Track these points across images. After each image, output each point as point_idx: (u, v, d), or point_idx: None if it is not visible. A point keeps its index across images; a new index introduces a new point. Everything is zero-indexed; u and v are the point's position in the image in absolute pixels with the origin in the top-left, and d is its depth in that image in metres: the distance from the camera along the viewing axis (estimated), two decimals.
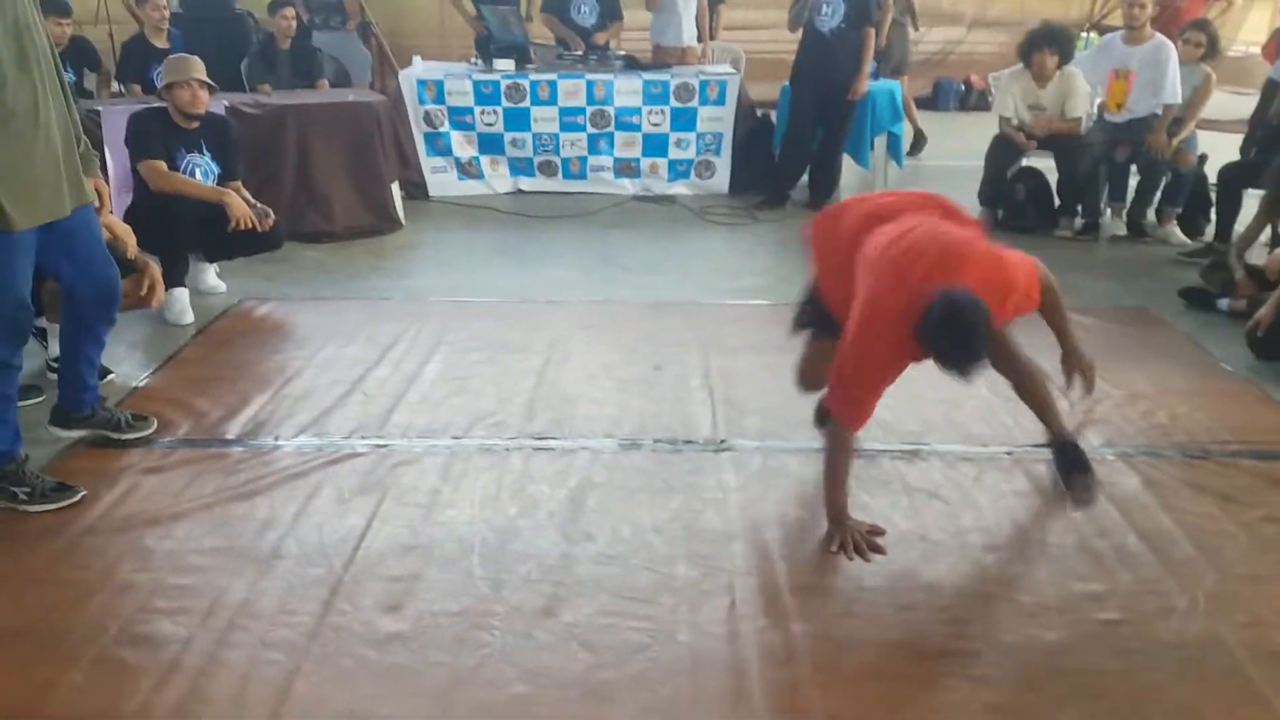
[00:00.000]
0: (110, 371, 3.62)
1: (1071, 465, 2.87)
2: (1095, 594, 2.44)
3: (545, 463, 3.04)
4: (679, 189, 6.63)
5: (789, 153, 6.41)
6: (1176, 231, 5.66)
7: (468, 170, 6.56)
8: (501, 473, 2.98)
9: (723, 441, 3.19)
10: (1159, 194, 5.69)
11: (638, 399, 3.50)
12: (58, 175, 2.63)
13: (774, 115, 6.78)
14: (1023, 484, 2.96)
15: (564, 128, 6.51)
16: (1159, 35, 5.63)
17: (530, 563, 2.54)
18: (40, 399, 3.35)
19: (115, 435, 3.12)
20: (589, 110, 6.48)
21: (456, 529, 2.69)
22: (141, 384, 3.60)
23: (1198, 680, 2.15)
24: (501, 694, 2.09)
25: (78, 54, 6.36)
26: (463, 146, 6.52)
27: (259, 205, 4.38)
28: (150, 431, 3.17)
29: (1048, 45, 5.61)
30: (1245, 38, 10.56)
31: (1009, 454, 3.14)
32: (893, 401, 3.44)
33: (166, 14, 6.52)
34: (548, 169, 6.61)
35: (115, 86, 6.62)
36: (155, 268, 3.64)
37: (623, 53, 7.15)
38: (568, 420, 3.32)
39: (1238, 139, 6.18)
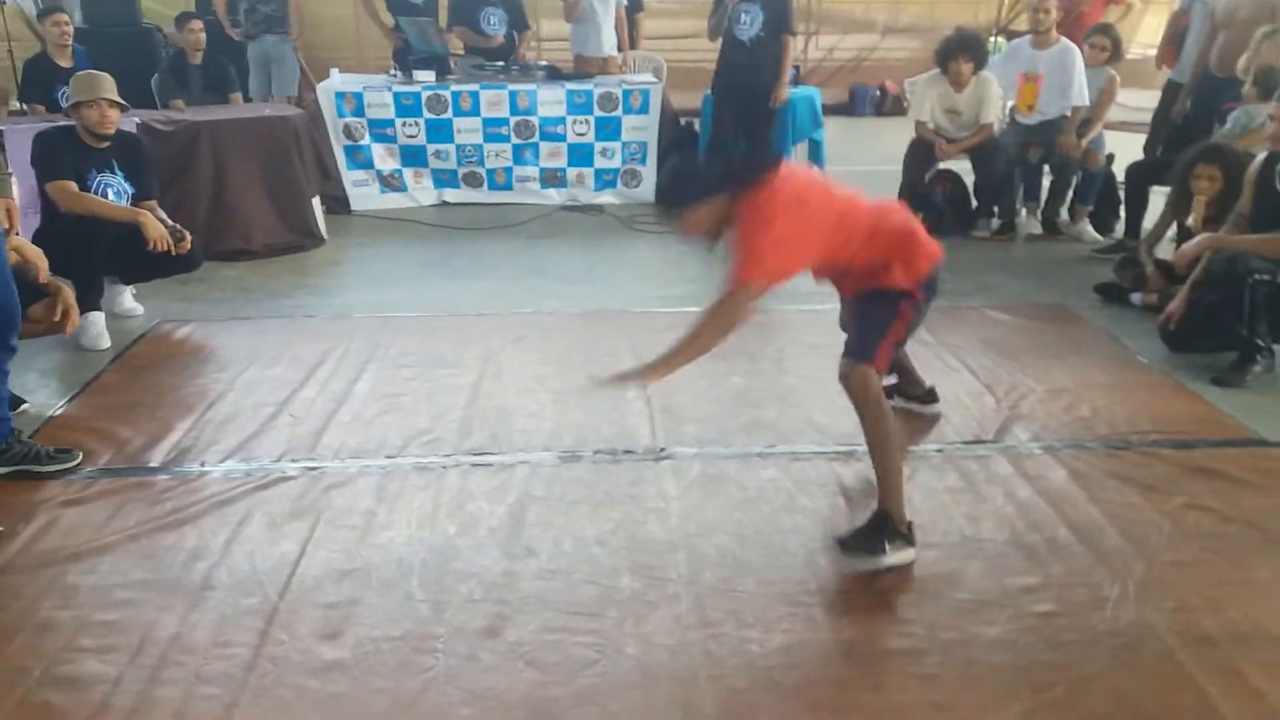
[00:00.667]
0: (24, 401, 3.48)
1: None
2: (1030, 587, 2.49)
3: (483, 479, 3.00)
4: (606, 198, 6.63)
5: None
6: (1089, 229, 5.85)
7: (390, 183, 6.47)
8: (439, 491, 2.94)
9: (662, 450, 3.19)
10: (1071, 193, 5.87)
11: (575, 411, 3.48)
12: None
13: (697, 124, 6.82)
14: (955, 480, 3.01)
15: (488, 138, 6.47)
16: (1064, 39, 5.81)
17: (472, 582, 2.50)
18: None
19: (36, 469, 2.99)
20: (513, 120, 6.44)
21: (394, 551, 2.64)
22: (58, 413, 3.47)
23: (1133, 668, 2.21)
24: (447, 718, 2.06)
25: None
26: (384, 159, 6.43)
27: (175, 226, 4.26)
28: (74, 464, 3.05)
29: (963, 53, 5.74)
30: (1142, 40, 10.96)
31: (940, 451, 3.20)
32: (826, 404, 3.51)
33: (70, 30, 6.31)
34: (473, 180, 6.56)
35: (16, 105, 6.38)
36: (69, 291, 3.51)
37: (544, 63, 7.13)
38: (505, 435, 3.29)
39: (1141, 138, 6.41)
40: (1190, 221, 4.40)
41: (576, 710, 2.08)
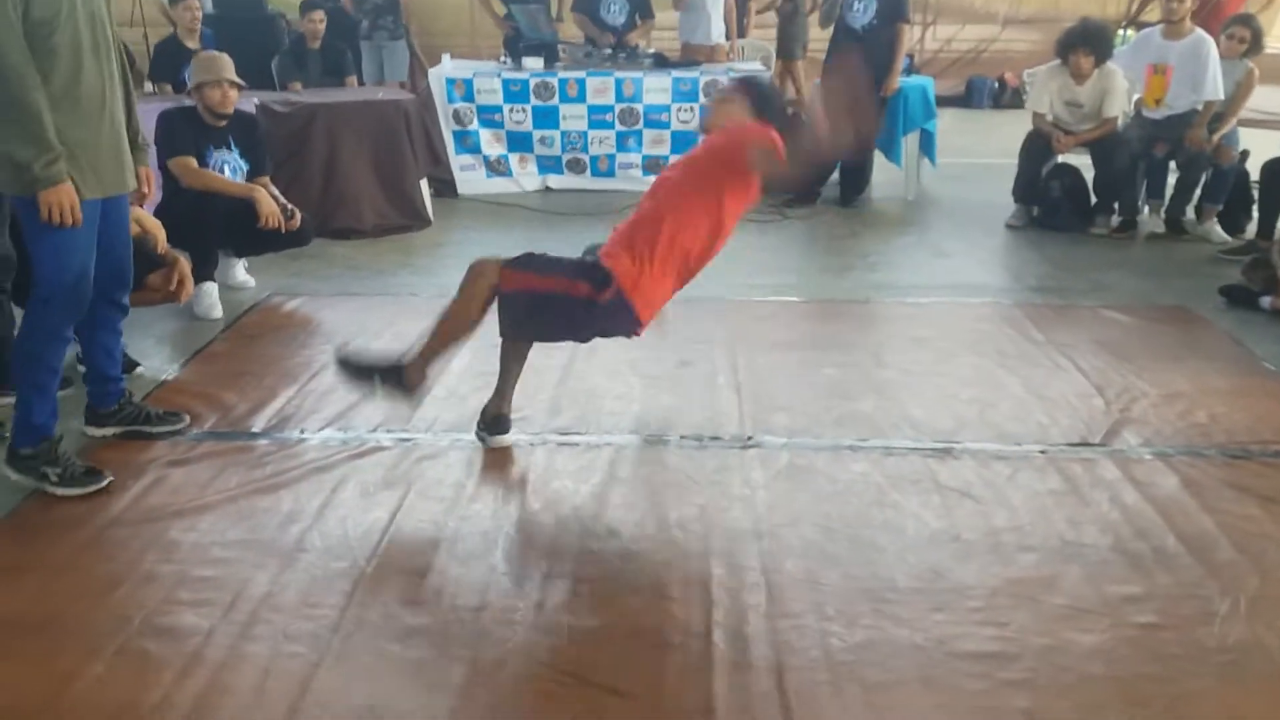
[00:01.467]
0: (139, 364, 3.63)
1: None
2: (1133, 596, 2.37)
3: (569, 458, 3.01)
4: None
5: None
6: (1217, 229, 5.55)
7: (496, 168, 6.55)
8: (525, 468, 2.96)
9: (750, 438, 3.15)
10: (1199, 191, 5.58)
11: (664, 395, 3.46)
12: (119, 155, 2.76)
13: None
14: (1057, 483, 2.89)
15: (592, 125, 6.49)
16: (1198, 30, 5.52)
17: (553, 558, 2.51)
18: (70, 390, 3.35)
19: (147, 429, 3.12)
20: (617, 108, 6.46)
21: (480, 524, 2.66)
22: (170, 378, 3.61)
23: (1239, 686, 2.08)
24: (523, 690, 2.06)
25: None
26: (491, 144, 6.51)
27: (287, 204, 4.38)
28: (181, 426, 3.16)
29: (1084, 46, 5.51)
30: None
31: (1043, 453, 3.07)
32: (925, 399, 3.41)
33: (199, 15, 6.57)
34: (576, 166, 6.59)
35: (148, 86, 6.67)
36: (185, 263, 3.65)
37: (652, 51, 7.12)
38: (592, 416, 3.29)
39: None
40: None
41: (649, 692, 2.06)
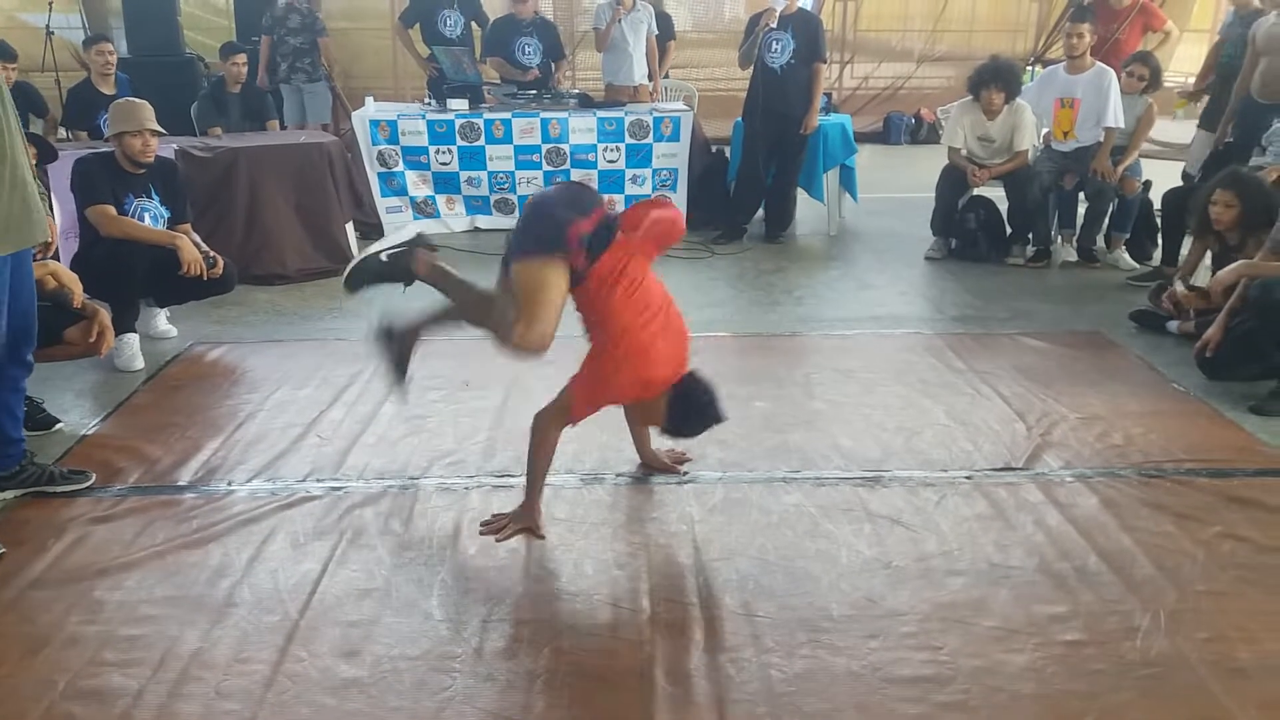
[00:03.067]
0: (59, 420, 3.54)
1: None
2: (1059, 615, 2.44)
3: (505, 500, 3.00)
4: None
5: (744, 187, 6.46)
6: (1125, 256, 5.78)
7: (423, 209, 6.54)
8: (460, 512, 2.94)
9: (685, 473, 3.17)
10: (1107, 220, 5.80)
11: (600, 433, 3.46)
12: (26, 206, 2.67)
13: (728, 150, 6.84)
14: (984, 508, 2.97)
15: (520, 165, 6.52)
16: (1100, 63, 5.77)
17: (490, 603, 2.50)
18: None
19: (49, 489, 3.01)
20: (544, 148, 6.50)
21: (415, 571, 2.64)
22: (91, 432, 3.52)
23: (1163, 699, 2.16)
24: None
25: (23, 99, 6.28)
26: (418, 186, 6.50)
27: (210, 252, 4.32)
28: (87, 485, 3.06)
29: (994, 83, 5.72)
30: (1180, 68, 10.88)
31: (968, 478, 3.15)
32: (853, 429, 3.48)
33: (113, 60, 6.48)
34: (504, 206, 6.61)
35: (61, 132, 6.54)
36: (104, 314, 3.57)
37: (576, 91, 7.19)
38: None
39: (1178, 166, 6.33)
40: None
41: None
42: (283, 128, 7.05)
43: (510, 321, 2.67)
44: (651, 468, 3.20)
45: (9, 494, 2.98)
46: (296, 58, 7.67)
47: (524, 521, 2.82)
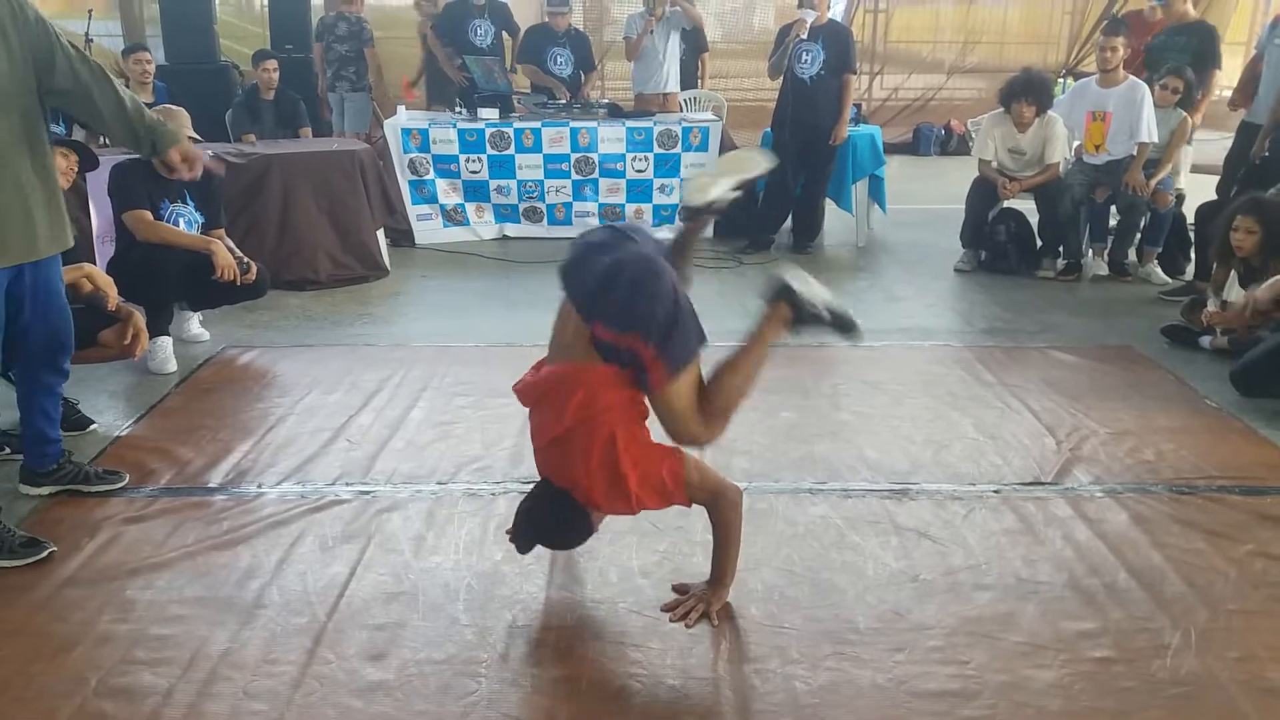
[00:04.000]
0: (93, 421, 3.59)
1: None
2: (1088, 632, 2.42)
3: None
4: (664, 234, 6.65)
5: (772, 198, 6.46)
6: (1158, 271, 5.72)
7: (453, 217, 6.58)
8: (487, 518, 2.95)
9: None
10: (1139, 234, 5.75)
11: None
12: (29, 220, 2.65)
13: None
14: (1012, 522, 2.95)
15: (549, 174, 6.56)
16: (1132, 77, 5.73)
17: (516, 608, 2.51)
18: (6, 453, 3.30)
19: (85, 489, 3.06)
20: (573, 157, 6.53)
21: (441, 575, 2.65)
22: (124, 433, 3.57)
23: (1191, 717, 2.13)
24: None
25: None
26: (448, 194, 6.55)
27: (243, 256, 4.37)
28: (120, 485, 3.11)
29: (1026, 96, 5.70)
30: (1217, 81, 10.78)
31: (996, 492, 3.13)
32: (881, 441, 3.46)
33: (151, 68, 6.58)
34: (533, 215, 6.64)
35: (102, 139, 6.64)
36: (139, 317, 3.62)
37: (606, 101, 7.22)
38: None
39: (1212, 180, 6.27)
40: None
41: None
42: (341, 134, 7.19)
43: (696, 424, 2.35)
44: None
45: (46, 489, 3.05)
46: (341, 66, 7.88)
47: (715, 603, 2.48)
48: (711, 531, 2.46)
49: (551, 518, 2.42)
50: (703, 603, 2.47)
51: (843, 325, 2.52)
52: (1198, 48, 6.16)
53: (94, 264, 3.90)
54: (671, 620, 2.46)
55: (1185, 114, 5.72)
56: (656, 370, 2.24)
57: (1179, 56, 6.05)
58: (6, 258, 2.63)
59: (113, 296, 3.60)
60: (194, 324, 4.60)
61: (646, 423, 2.38)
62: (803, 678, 2.25)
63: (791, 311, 2.52)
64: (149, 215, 4.20)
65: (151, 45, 7.32)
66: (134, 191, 4.21)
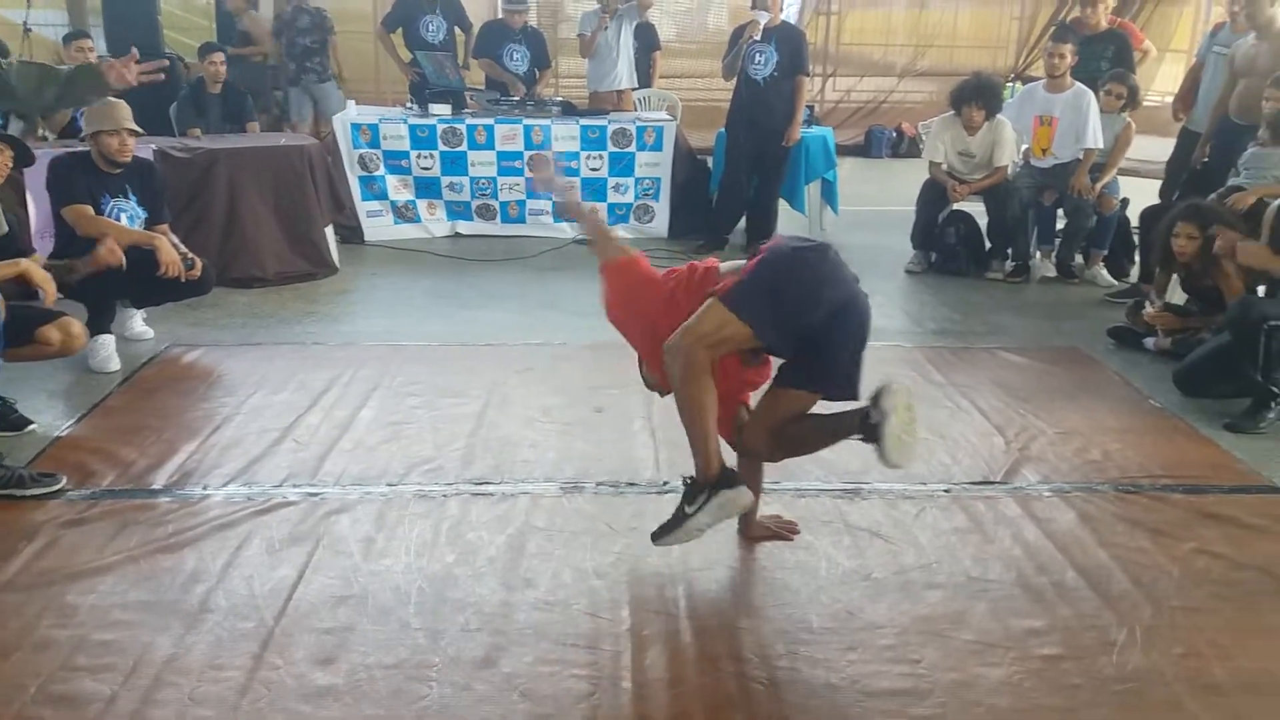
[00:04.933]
0: (31, 422, 3.49)
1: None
2: (1036, 630, 2.45)
3: (484, 508, 2.98)
4: (618, 233, 6.63)
5: (726, 197, 6.48)
6: (1103, 273, 5.83)
7: (404, 214, 6.51)
8: (438, 519, 2.92)
9: (666, 483, 3.17)
10: (1085, 237, 5.85)
11: (579, 442, 3.46)
12: None
13: (711, 161, 6.85)
14: (962, 521, 2.98)
15: (502, 171, 6.51)
16: (1078, 84, 5.83)
17: (468, 611, 2.48)
18: None
19: (19, 493, 2.96)
20: (527, 154, 6.48)
21: (392, 578, 2.62)
22: (64, 434, 3.47)
23: (1139, 714, 2.17)
24: None
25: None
26: (399, 190, 6.47)
27: (188, 253, 4.28)
28: (58, 488, 3.02)
29: (976, 100, 5.77)
30: (1160, 88, 11.02)
31: (947, 491, 3.17)
32: None
33: (93, 58, 6.40)
34: (486, 212, 6.59)
35: (40, 131, 6.46)
36: (39, 272, 3.48)
37: (560, 99, 7.20)
38: (507, 465, 3.27)
39: (1155, 184, 6.40)
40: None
41: None
42: (292, 128, 7.12)
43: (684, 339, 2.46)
44: (755, 539, 2.83)
45: None
46: (306, 58, 7.83)
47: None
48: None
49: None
50: None
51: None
52: (1114, 56, 6.32)
53: (33, 259, 3.80)
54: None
55: (1129, 119, 5.84)
56: (724, 288, 2.45)
57: (1102, 64, 6.19)
58: None
59: (50, 292, 3.50)
60: (137, 322, 4.49)
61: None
62: (756, 677, 2.25)
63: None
64: (89, 210, 4.10)
65: (95, 36, 7.14)
66: (73, 186, 4.10)
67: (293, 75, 7.87)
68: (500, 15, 7.23)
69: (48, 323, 3.55)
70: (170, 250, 4.14)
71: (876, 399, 2.51)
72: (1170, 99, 7.08)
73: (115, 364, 4.06)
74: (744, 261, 2.60)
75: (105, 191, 4.19)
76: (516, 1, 7.07)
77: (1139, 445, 3.54)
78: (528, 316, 4.94)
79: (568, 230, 6.60)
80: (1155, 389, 4.07)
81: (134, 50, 2.92)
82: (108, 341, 4.09)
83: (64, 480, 3.05)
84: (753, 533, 2.84)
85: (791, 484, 3.18)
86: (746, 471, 2.65)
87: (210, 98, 6.67)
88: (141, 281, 4.19)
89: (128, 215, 4.24)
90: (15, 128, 6.33)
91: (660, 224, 6.69)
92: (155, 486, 3.10)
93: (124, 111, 4.15)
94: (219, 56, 6.71)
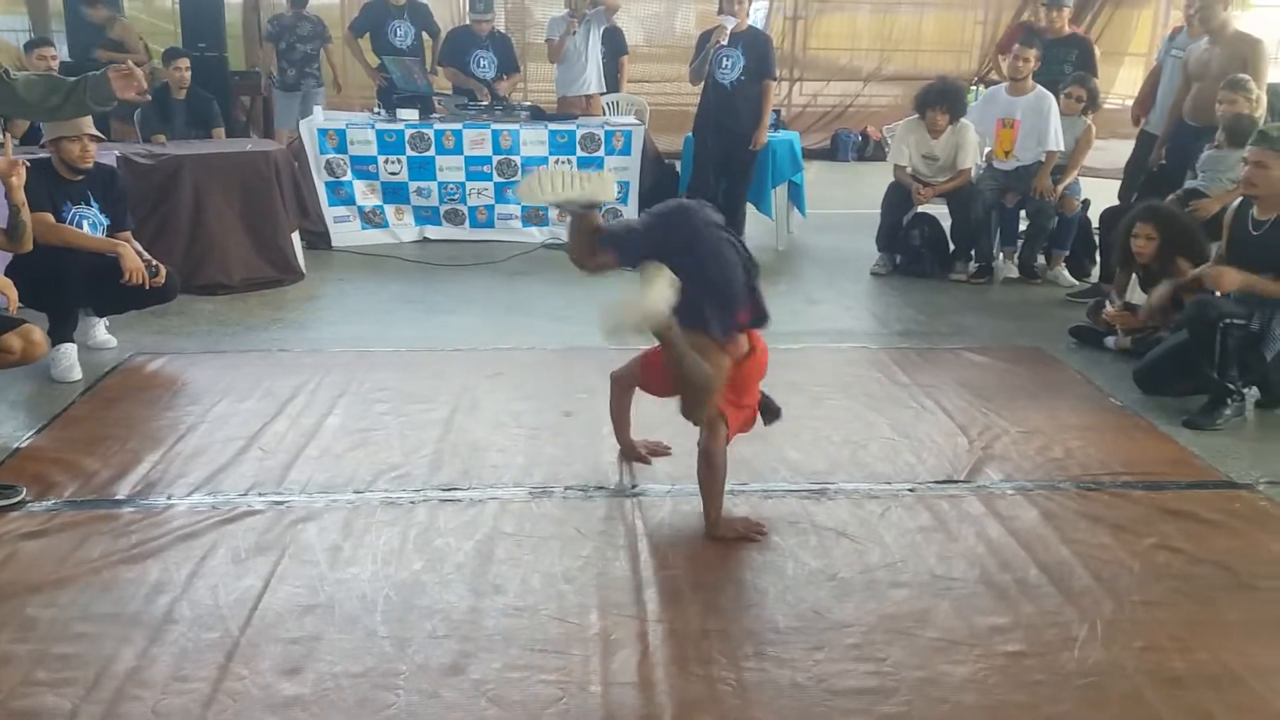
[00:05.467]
0: None
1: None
2: (1000, 627, 2.48)
3: (452, 514, 2.98)
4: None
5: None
6: (1064, 273, 5.91)
7: (371, 219, 6.48)
8: (406, 526, 2.91)
9: (634, 487, 3.18)
10: (1047, 238, 5.93)
11: (548, 446, 3.47)
12: None
13: (679, 165, 6.87)
14: (927, 520, 3.01)
15: (470, 176, 6.50)
16: (1040, 87, 5.90)
17: (436, 618, 2.47)
18: None
19: None
20: (495, 159, 6.48)
21: (358, 586, 2.60)
22: (24, 444, 3.43)
23: (1100, 708, 2.20)
24: None
25: None
26: (366, 195, 6.45)
27: (152, 260, 4.24)
28: (16, 500, 2.97)
29: (939, 104, 5.83)
30: (1120, 91, 11.19)
31: (912, 490, 3.20)
32: (800, 442, 3.51)
33: (55, 64, 6.34)
34: (454, 217, 6.58)
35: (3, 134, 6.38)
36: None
37: (528, 104, 7.19)
38: (476, 470, 3.27)
39: (1115, 185, 6.49)
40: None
41: None
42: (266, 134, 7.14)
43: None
44: (627, 456, 3.33)
45: None
46: (306, 63, 7.83)
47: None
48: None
49: None
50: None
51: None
52: (1078, 59, 6.42)
53: None
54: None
55: (1089, 122, 5.92)
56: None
57: (1065, 68, 6.29)
58: None
59: (13, 299, 3.46)
60: (100, 330, 4.44)
61: None
62: (724, 679, 2.26)
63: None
64: (50, 218, 4.05)
65: (57, 41, 7.06)
66: (34, 193, 4.02)
67: (291, 81, 7.82)
68: (468, 22, 7.20)
69: (8, 330, 3.50)
70: (134, 257, 4.10)
71: None
72: (1129, 102, 7.20)
73: (77, 373, 4.02)
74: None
75: (66, 199, 4.15)
76: (482, 10, 7.06)
77: (1100, 443, 3.59)
78: (497, 321, 4.93)
79: (536, 235, 6.61)
80: (1116, 387, 4.13)
81: (143, 45, 2.97)
82: (70, 350, 4.04)
83: (24, 493, 3.01)
84: (625, 447, 3.31)
85: (759, 485, 3.20)
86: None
87: (175, 103, 6.60)
88: (105, 289, 4.15)
89: (90, 222, 4.20)
90: None
91: None
92: (118, 497, 3.07)
93: (85, 118, 4.10)
94: (184, 62, 6.64)
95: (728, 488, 3.15)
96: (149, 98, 2.92)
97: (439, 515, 2.97)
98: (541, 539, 2.86)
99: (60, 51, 6.97)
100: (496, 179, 6.52)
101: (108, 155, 4.73)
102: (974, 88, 10.29)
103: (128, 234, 4.33)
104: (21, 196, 3.52)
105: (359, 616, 2.47)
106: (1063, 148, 5.76)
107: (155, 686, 2.20)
